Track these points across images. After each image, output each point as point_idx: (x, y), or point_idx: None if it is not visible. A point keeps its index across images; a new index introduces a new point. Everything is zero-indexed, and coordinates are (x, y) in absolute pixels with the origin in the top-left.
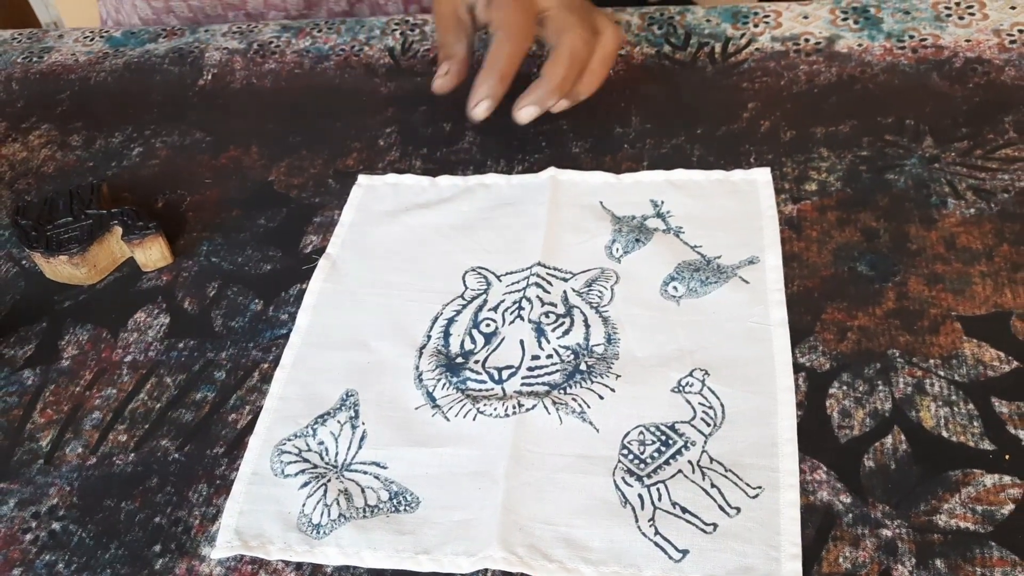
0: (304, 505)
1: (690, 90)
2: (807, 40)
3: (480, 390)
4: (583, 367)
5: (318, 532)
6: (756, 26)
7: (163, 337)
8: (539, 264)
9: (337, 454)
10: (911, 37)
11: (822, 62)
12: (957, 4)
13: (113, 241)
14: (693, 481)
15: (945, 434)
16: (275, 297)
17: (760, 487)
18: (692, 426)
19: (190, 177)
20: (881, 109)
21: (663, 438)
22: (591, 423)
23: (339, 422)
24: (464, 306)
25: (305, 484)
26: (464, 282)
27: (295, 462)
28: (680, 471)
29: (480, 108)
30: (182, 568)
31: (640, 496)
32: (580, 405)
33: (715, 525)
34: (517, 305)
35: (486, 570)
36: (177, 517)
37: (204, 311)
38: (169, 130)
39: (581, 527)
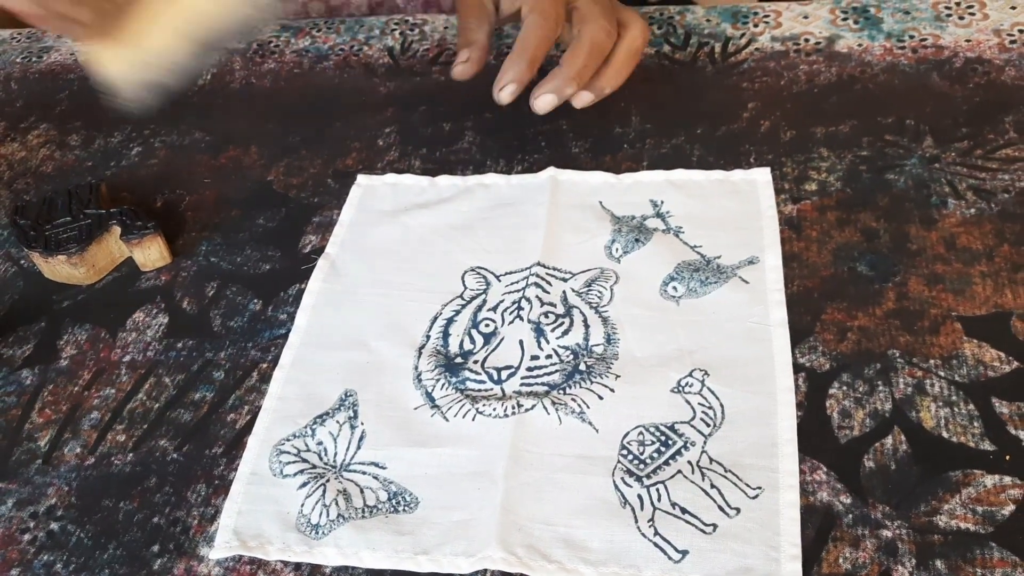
0: (303, 505)
1: (690, 90)
2: (807, 40)
3: (479, 390)
4: (582, 367)
5: (317, 532)
6: (756, 26)
7: (162, 337)
8: (538, 264)
9: (336, 454)
10: (911, 37)
11: (822, 62)
12: (957, 4)
13: (112, 241)
14: (693, 481)
15: (945, 435)
16: (274, 297)
17: (760, 487)
18: (692, 426)
19: (189, 177)
20: (881, 109)
21: (663, 438)
22: (590, 423)
23: (338, 422)
24: (463, 306)
25: (304, 484)
26: (463, 282)
27: (294, 462)
28: (680, 471)
29: (506, 92)
30: (180, 568)
31: (640, 496)
32: (579, 405)
33: (715, 526)
34: (516, 305)
35: (485, 570)
36: (175, 517)
37: (203, 311)
38: (168, 130)
39: (580, 527)
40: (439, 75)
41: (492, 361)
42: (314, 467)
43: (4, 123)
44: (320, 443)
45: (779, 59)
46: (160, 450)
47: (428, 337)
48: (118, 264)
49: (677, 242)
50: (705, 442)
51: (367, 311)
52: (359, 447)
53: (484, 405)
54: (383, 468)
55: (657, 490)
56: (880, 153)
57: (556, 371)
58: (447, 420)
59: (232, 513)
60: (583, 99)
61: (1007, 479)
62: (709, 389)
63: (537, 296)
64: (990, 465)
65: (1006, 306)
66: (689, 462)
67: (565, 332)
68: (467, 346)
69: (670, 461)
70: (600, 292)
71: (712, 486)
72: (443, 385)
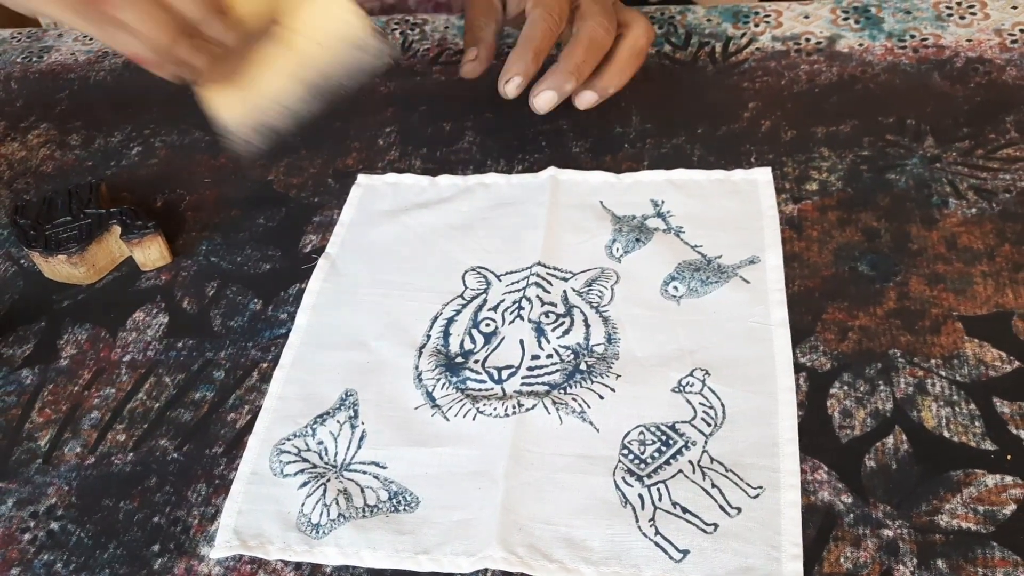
0: (303, 505)
1: (691, 90)
2: (808, 40)
3: (480, 390)
4: (583, 367)
5: (317, 532)
6: (757, 26)
7: (162, 337)
8: (539, 264)
9: (336, 454)
10: (912, 37)
11: (823, 62)
12: (958, 4)
13: (112, 240)
14: (694, 481)
15: (946, 434)
16: (274, 297)
17: (761, 487)
18: (692, 426)
19: (189, 176)
20: (882, 109)
21: (663, 438)
22: (591, 423)
23: (338, 422)
24: (464, 306)
25: (304, 484)
26: (464, 282)
27: (294, 462)
28: (680, 471)
29: (511, 85)
30: (181, 568)
31: (640, 496)
32: (580, 405)
33: (716, 525)
34: (517, 305)
35: (486, 570)
36: (176, 517)
37: (203, 311)
38: (168, 129)
39: (581, 527)
40: (440, 75)
41: (493, 361)
42: (315, 467)
43: (4, 123)
44: (320, 443)
45: (780, 59)
46: (160, 450)
47: (429, 337)
48: (118, 264)
49: (678, 242)
50: (706, 442)
51: (367, 311)
52: (359, 447)
53: (485, 405)
54: (384, 468)
55: (658, 490)
56: (881, 153)
57: (557, 371)
58: (448, 420)
59: (232, 513)
60: (587, 100)
61: (1008, 479)
62: (710, 389)
63: (538, 296)
64: (991, 465)
65: (1007, 306)
66: (690, 462)
67: (566, 332)
68: (468, 346)
69: (671, 461)
70: (601, 292)
71: (713, 486)
72: (444, 385)
